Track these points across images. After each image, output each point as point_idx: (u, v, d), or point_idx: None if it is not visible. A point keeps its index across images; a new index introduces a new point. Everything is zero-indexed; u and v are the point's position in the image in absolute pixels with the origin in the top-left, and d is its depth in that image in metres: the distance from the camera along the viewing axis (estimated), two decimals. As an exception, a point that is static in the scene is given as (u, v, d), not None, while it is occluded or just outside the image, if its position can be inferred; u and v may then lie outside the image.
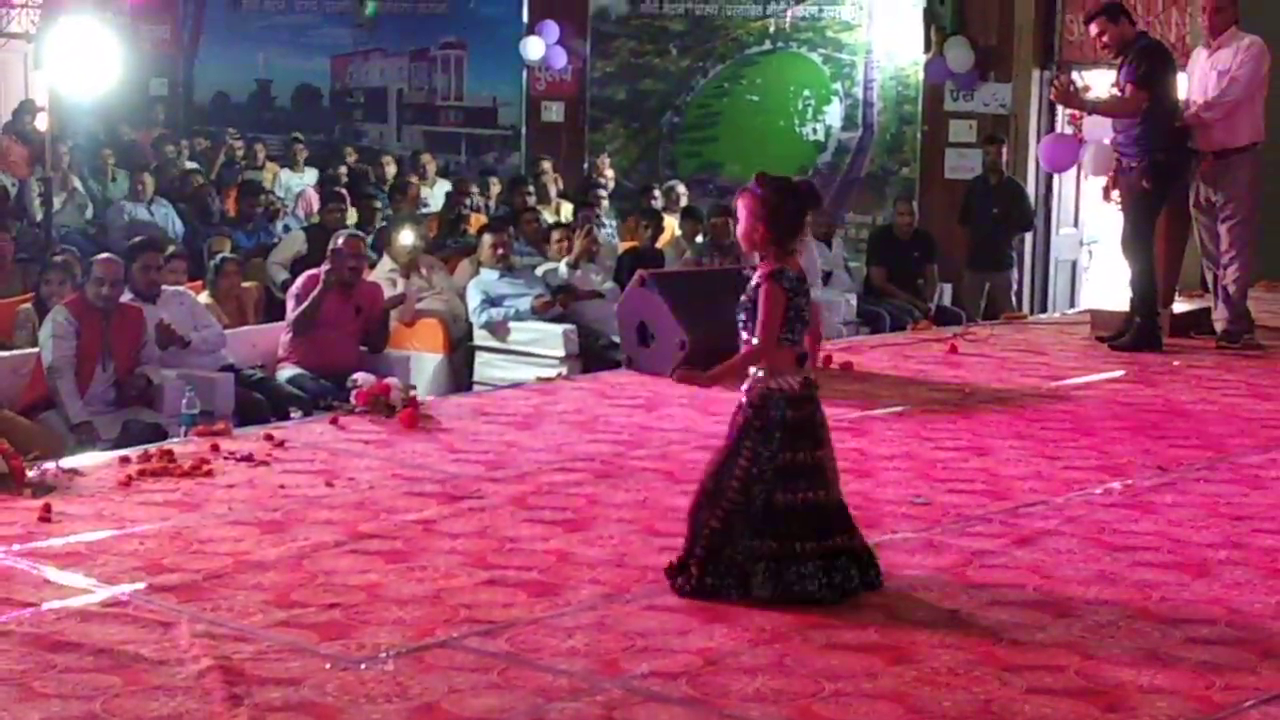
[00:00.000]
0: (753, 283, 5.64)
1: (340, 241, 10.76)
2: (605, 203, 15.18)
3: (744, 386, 5.62)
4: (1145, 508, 6.81)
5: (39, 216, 14.16)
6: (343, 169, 16.84)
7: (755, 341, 5.58)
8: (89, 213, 15.45)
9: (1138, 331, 10.58)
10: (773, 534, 5.46)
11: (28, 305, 10.45)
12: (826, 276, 13.49)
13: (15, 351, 9.92)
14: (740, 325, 5.66)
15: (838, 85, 15.94)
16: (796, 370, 5.61)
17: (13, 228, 13.57)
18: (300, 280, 10.81)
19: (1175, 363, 10.20)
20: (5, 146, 17.64)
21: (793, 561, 5.45)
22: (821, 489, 5.55)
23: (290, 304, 10.69)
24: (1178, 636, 5.26)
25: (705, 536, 5.53)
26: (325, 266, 10.59)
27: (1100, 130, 11.85)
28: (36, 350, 9.53)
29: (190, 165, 16.93)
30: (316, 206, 15.21)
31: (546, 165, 16.55)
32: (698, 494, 5.63)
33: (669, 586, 5.59)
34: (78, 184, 15.57)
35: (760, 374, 5.57)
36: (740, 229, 5.72)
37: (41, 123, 17.75)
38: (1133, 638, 5.24)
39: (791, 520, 5.47)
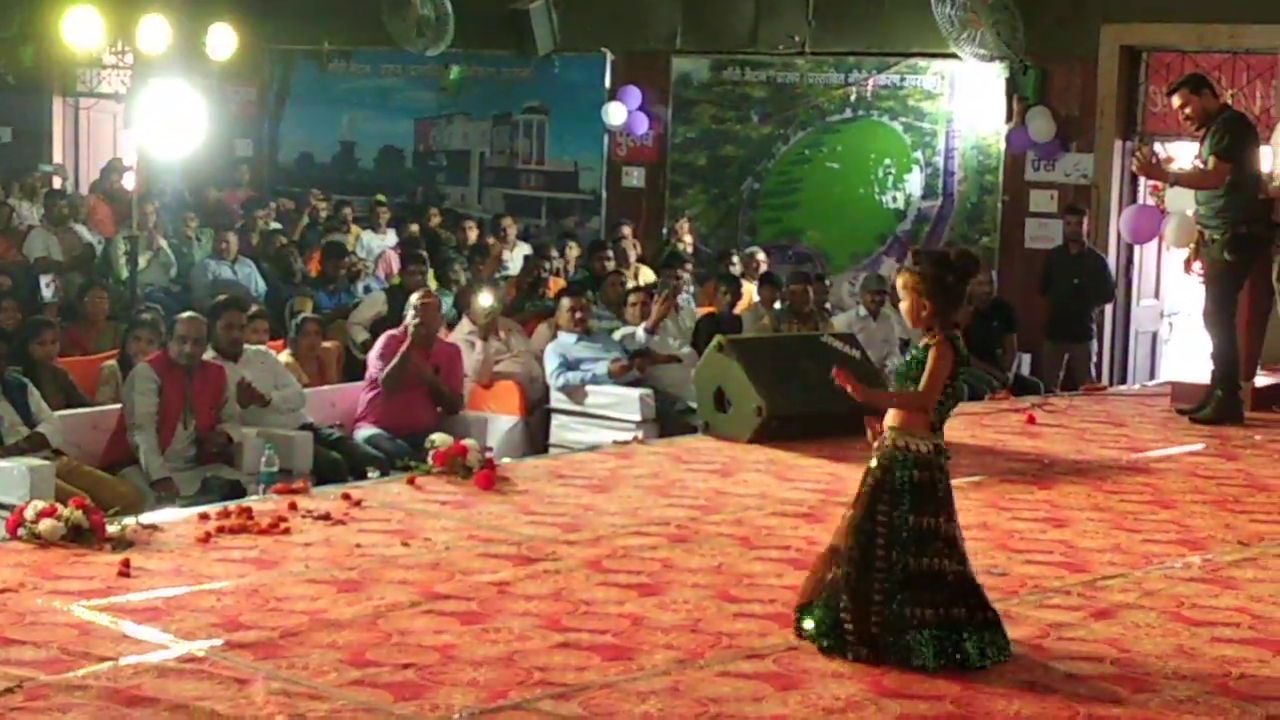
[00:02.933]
0: (921, 343, 5.68)
1: (417, 297, 10.91)
2: (687, 268, 15.20)
3: (874, 446, 5.64)
4: (1225, 582, 6.73)
5: (124, 274, 14.33)
6: (415, 227, 16.94)
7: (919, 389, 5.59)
8: (173, 271, 15.63)
9: (1219, 404, 10.49)
10: (932, 603, 5.47)
11: (112, 362, 10.58)
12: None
13: (98, 407, 10.05)
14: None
15: (918, 154, 15.94)
16: (931, 435, 5.61)
17: (105, 284, 13.74)
18: (381, 341, 10.91)
19: (1257, 436, 10.10)
20: (93, 205, 17.90)
21: (952, 630, 5.46)
22: (949, 559, 5.54)
23: (374, 365, 10.78)
24: (1257, 714, 5.19)
25: (848, 597, 5.53)
26: (415, 321, 10.69)
27: (1182, 202, 11.79)
28: (119, 406, 9.64)
29: (274, 225, 17.10)
30: (397, 267, 15.32)
31: (626, 230, 16.60)
32: (831, 553, 5.66)
33: (795, 633, 5.66)
34: (163, 243, 15.75)
35: (890, 435, 5.58)
36: (904, 306, 5.74)
37: (129, 182, 18.03)
38: (1211, 714, 5.18)
39: (935, 587, 5.48)
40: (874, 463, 5.65)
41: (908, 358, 5.75)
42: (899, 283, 5.75)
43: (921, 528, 5.54)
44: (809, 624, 5.67)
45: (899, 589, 5.49)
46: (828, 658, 5.56)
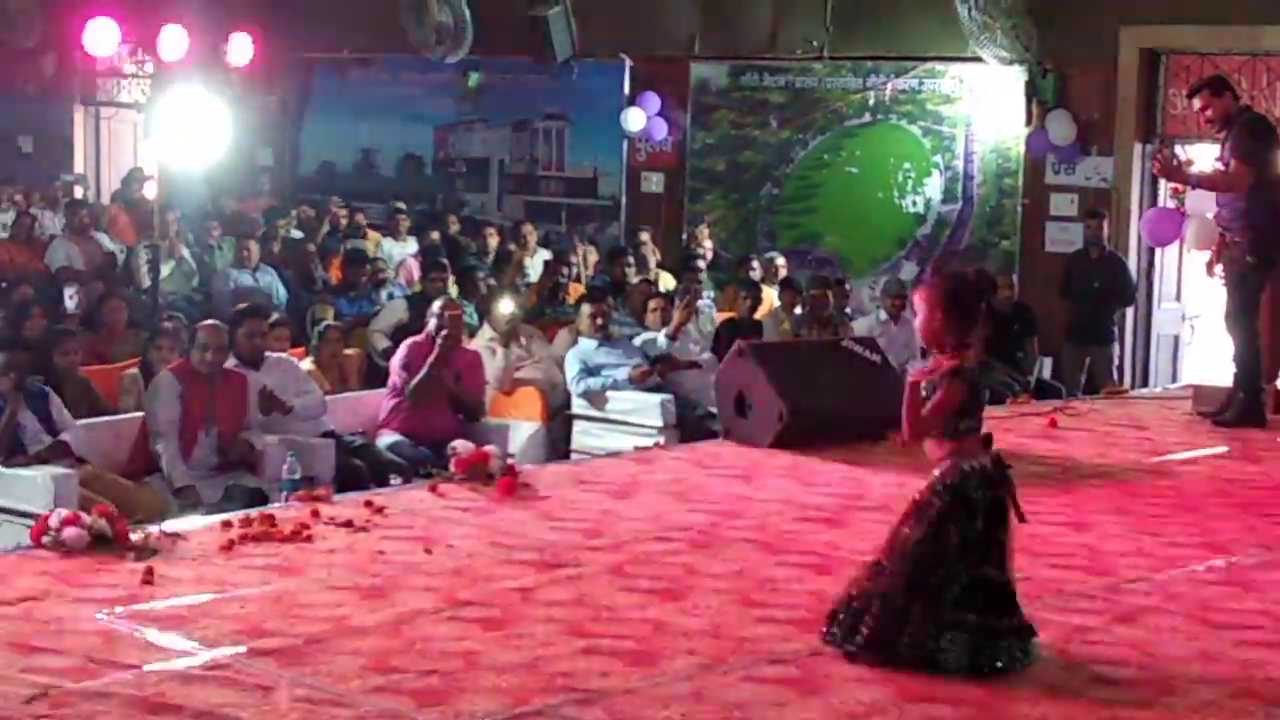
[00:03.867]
0: (934, 371, 5.65)
1: (439, 305, 10.92)
2: (706, 274, 15.21)
3: (936, 471, 5.62)
4: (1249, 585, 6.72)
5: (146, 283, 14.37)
6: (435, 235, 16.97)
7: (924, 417, 5.60)
8: (195, 280, 15.67)
9: (1241, 407, 10.47)
10: (974, 608, 5.47)
11: (134, 370, 10.61)
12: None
13: (121, 416, 10.08)
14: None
15: (938, 158, 15.93)
16: (985, 451, 5.61)
17: (125, 293, 13.78)
18: (404, 349, 10.93)
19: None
20: (114, 214, 17.98)
21: (989, 637, 5.46)
22: (999, 568, 5.55)
23: (397, 374, 10.80)
24: (1282, 717, 5.19)
25: (894, 612, 5.52)
26: (444, 331, 10.69)
27: (1203, 204, 11.77)
28: (142, 415, 9.67)
29: (295, 234, 17.14)
30: (417, 275, 15.35)
31: (645, 236, 16.62)
32: (876, 569, 5.61)
33: (825, 638, 5.64)
34: (185, 251, 15.80)
35: (952, 457, 5.58)
36: (919, 321, 5.74)
37: (150, 191, 18.11)
38: (1235, 717, 5.17)
39: (989, 596, 5.49)
40: (939, 482, 5.59)
41: (920, 380, 5.70)
42: (916, 297, 5.76)
43: (986, 539, 5.53)
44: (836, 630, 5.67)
45: (952, 601, 5.47)
46: (850, 661, 5.56)
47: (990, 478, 5.58)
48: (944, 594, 5.48)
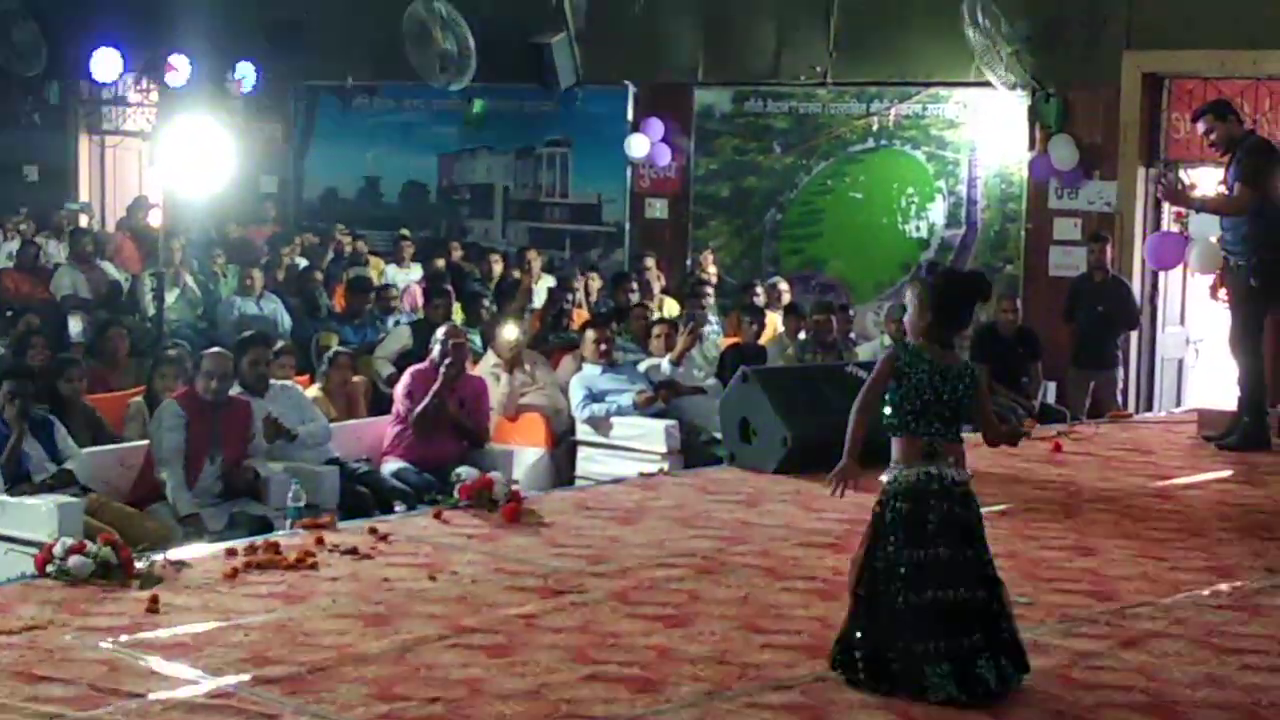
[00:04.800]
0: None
1: (443, 333, 10.93)
2: (711, 299, 15.21)
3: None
4: (1254, 610, 6.71)
5: (151, 311, 14.38)
6: (440, 262, 16.98)
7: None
8: (200, 307, 15.67)
9: (1246, 431, 10.46)
10: (939, 634, 5.45)
11: (139, 398, 10.62)
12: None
13: (125, 444, 10.08)
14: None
15: (941, 183, 15.94)
16: (920, 463, 5.58)
17: (125, 322, 13.80)
18: (408, 377, 10.92)
19: (1285, 463, 10.07)
20: (119, 242, 18.00)
21: (967, 658, 5.45)
22: (951, 588, 5.50)
23: (400, 402, 10.80)
24: (1288, 742, 5.18)
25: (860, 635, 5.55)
26: (448, 359, 10.69)
27: (1207, 228, 11.77)
28: (146, 443, 9.68)
29: (300, 261, 17.15)
30: (421, 302, 15.36)
31: (650, 261, 16.63)
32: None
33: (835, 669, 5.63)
34: (189, 279, 15.81)
35: (889, 472, 5.58)
36: (908, 317, 5.76)
37: (155, 219, 18.11)
38: (1242, 742, 5.17)
39: (942, 618, 5.46)
40: (876, 500, 5.65)
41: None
42: (907, 294, 5.75)
43: (915, 561, 5.50)
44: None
45: (906, 626, 5.46)
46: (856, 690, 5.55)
47: (908, 490, 5.55)
48: (896, 612, 5.45)
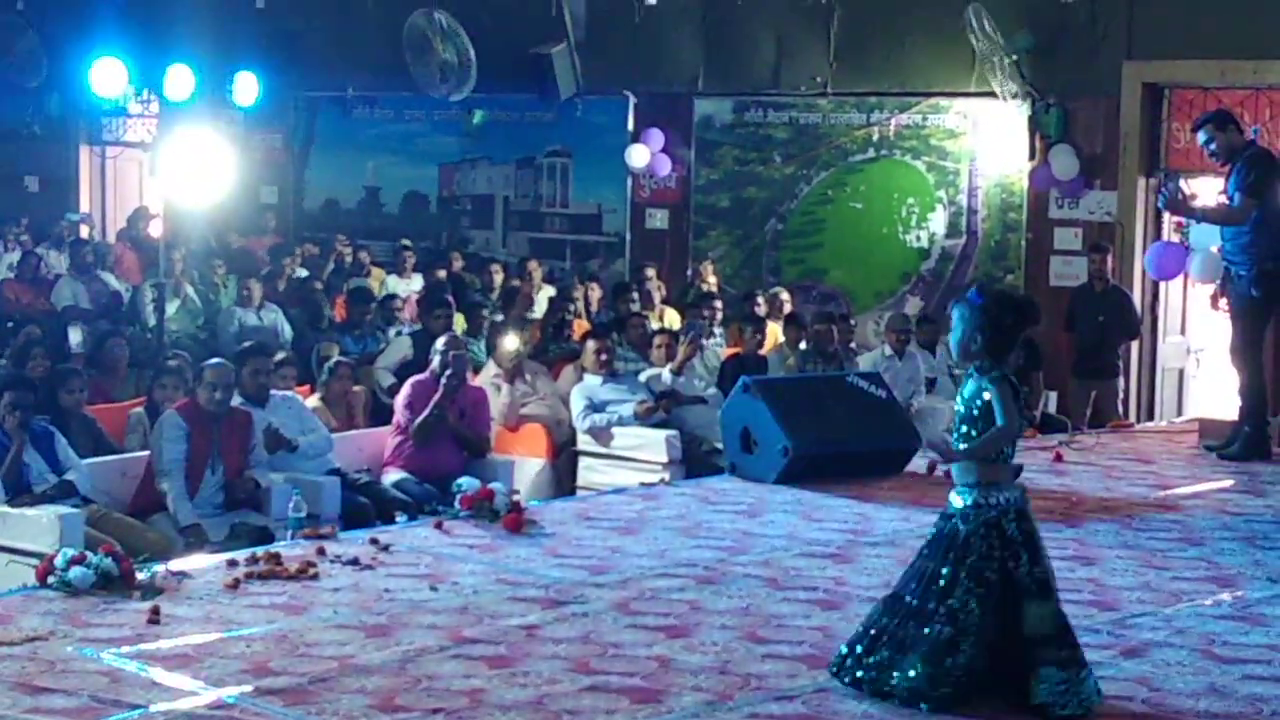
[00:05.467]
0: (971, 386, 5.63)
1: (444, 344, 10.93)
2: (718, 312, 15.19)
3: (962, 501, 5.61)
4: (1256, 620, 6.71)
5: (151, 322, 14.39)
6: (441, 272, 16.99)
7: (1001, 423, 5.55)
8: (200, 318, 15.67)
9: (1247, 440, 10.46)
10: (1051, 644, 5.47)
11: (140, 409, 10.61)
12: (930, 384, 13.45)
13: (127, 455, 10.08)
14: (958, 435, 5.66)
15: (941, 192, 15.94)
16: (1013, 484, 5.59)
17: (125, 332, 13.80)
18: (408, 388, 10.93)
19: (1286, 472, 10.07)
20: (120, 253, 18.00)
21: (1074, 669, 5.46)
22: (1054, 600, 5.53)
23: (401, 412, 10.80)
24: (1290, 752, 5.17)
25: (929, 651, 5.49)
26: (448, 371, 10.69)
27: (1207, 238, 11.76)
28: (147, 454, 9.68)
29: (301, 272, 17.15)
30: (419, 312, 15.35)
31: (651, 272, 16.64)
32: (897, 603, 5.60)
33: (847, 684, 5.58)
34: (190, 290, 15.81)
35: (973, 494, 5.55)
36: (954, 337, 5.68)
37: (155, 229, 18.14)
38: (1244, 752, 5.16)
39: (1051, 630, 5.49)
40: (961, 523, 5.57)
41: (962, 396, 5.66)
42: (955, 313, 5.68)
43: (1044, 576, 5.51)
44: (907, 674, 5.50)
45: (1002, 642, 5.45)
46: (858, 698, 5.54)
47: (1020, 512, 5.55)
48: (985, 632, 5.44)
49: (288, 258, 17.39)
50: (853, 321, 14.87)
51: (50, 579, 6.82)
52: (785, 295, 15.84)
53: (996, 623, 5.44)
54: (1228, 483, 9.78)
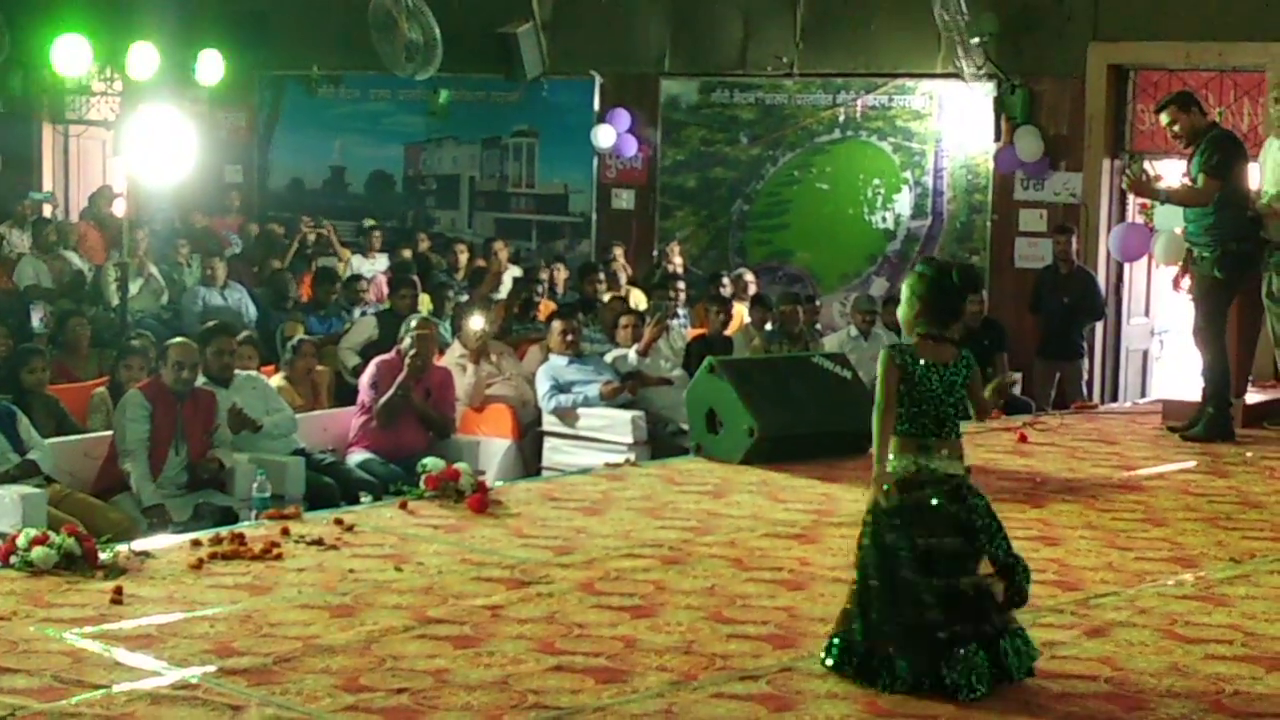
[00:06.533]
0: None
1: (416, 325, 10.91)
2: (681, 294, 15.19)
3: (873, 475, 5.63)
4: (1218, 600, 6.74)
5: (115, 301, 14.33)
6: (406, 252, 16.96)
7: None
8: (165, 298, 15.62)
9: (1210, 422, 10.50)
10: (965, 618, 5.44)
11: (102, 389, 10.57)
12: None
13: (89, 435, 10.04)
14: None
15: (907, 174, 15.97)
16: (915, 455, 5.57)
17: (88, 312, 13.74)
18: (372, 368, 10.91)
19: (1248, 454, 10.11)
20: (83, 231, 17.92)
21: (991, 643, 5.44)
22: (964, 575, 5.51)
23: (365, 392, 10.78)
24: (1252, 731, 5.20)
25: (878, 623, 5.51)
26: (411, 351, 10.68)
27: (1171, 219, 11.80)
28: (110, 433, 9.64)
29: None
30: (388, 292, 15.33)
31: (618, 252, 16.63)
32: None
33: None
34: (154, 269, 15.75)
35: (885, 464, 5.57)
36: (900, 311, 5.74)
37: (119, 208, 18.05)
38: (1206, 731, 5.18)
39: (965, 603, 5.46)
40: (872, 492, 5.61)
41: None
42: (903, 286, 5.74)
43: (917, 548, 5.49)
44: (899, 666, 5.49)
45: (928, 610, 5.44)
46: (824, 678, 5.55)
47: (907, 482, 5.54)
48: (916, 599, 5.45)
49: (254, 227, 17.32)
50: (818, 302, 14.89)
51: (12, 559, 6.79)
52: (750, 276, 15.85)
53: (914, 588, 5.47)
54: (1191, 463, 9.82)
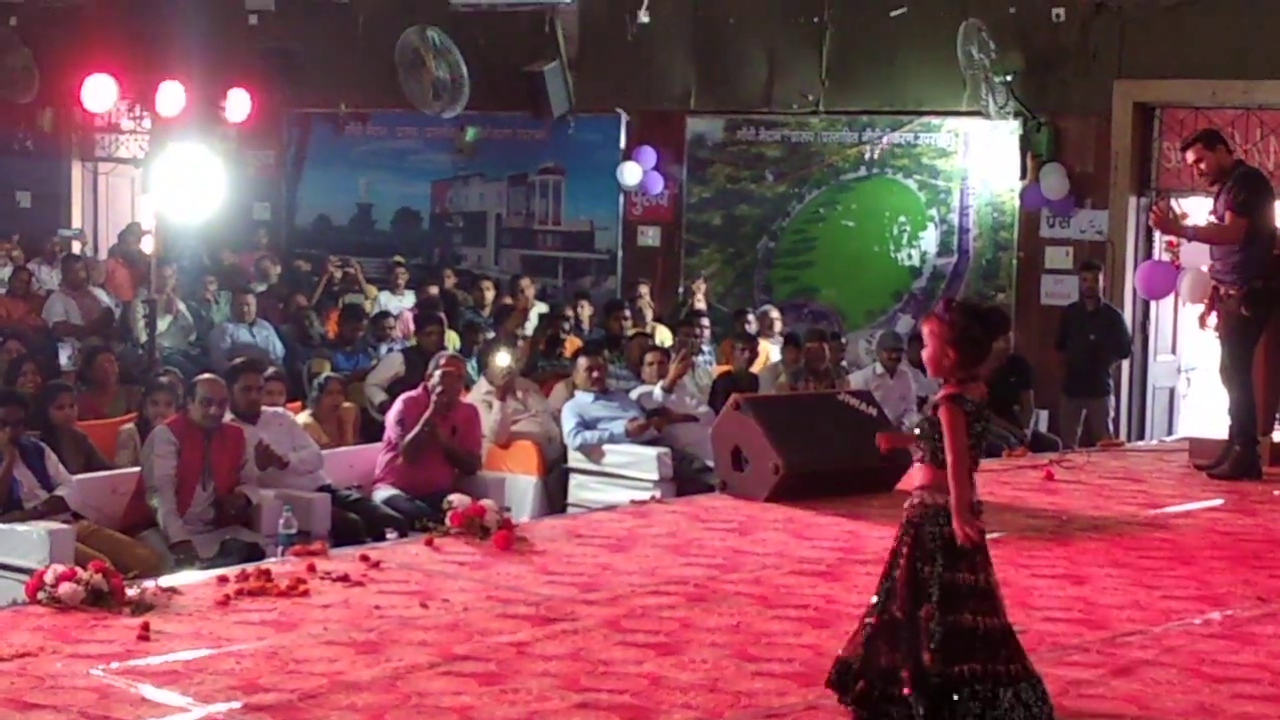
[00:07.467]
0: (930, 402, 5.63)
1: (443, 361, 10.94)
2: (706, 330, 15.20)
3: (905, 505, 5.58)
4: (1245, 639, 6.71)
5: (143, 338, 14.39)
6: (433, 289, 17.00)
7: (949, 465, 5.49)
8: (193, 335, 15.68)
9: (1237, 460, 10.46)
10: (972, 658, 5.35)
11: (130, 425, 10.60)
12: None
13: (117, 470, 10.07)
14: (918, 448, 5.62)
15: (933, 211, 15.98)
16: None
17: (116, 348, 13.79)
18: (399, 404, 10.93)
19: (1276, 492, 10.06)
20: (111, 269, 18.00)
21: (994, 685, 5.36)
22: (985, 614, 5.44)
23: (392, 428, 10.80)
24: (1279, 771, 5.18)
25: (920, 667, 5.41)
26: (438, 388, 10.71)
27: (1198, 257, 11.78)
28: (138, 469, 9.67)
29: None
30: (414, 329, 15.37)
31: (643, 289, 16.65)
32: (879, 625, 5.51)
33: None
34: (181, 306, 15.81)
35: (919, 494, 5.53)
36: (927, 354, 5.65)
37: (147, 245, 18.12)
38: (1233, 771, 5.16)
39: (975, 643, 5.37)
40: (906, 518, 5.56)
41: (921, 417, 5.67)
42: (925, 329, 5.67)
43: (956, 583, 5.46)
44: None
45: (941, 647, 5.39)
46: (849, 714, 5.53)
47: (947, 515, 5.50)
48: (932, 634, 5.40)
49: (275, 267, 17.39)
50: (844, 340, 14.89)
51: (40, 595, 6.81)
52: (776, 313, 15.86)
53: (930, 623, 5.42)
54: (1217, 501, 9.79)
